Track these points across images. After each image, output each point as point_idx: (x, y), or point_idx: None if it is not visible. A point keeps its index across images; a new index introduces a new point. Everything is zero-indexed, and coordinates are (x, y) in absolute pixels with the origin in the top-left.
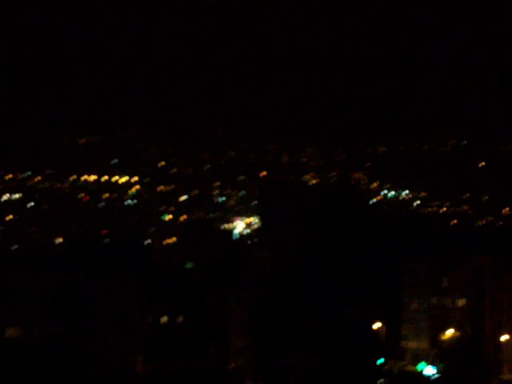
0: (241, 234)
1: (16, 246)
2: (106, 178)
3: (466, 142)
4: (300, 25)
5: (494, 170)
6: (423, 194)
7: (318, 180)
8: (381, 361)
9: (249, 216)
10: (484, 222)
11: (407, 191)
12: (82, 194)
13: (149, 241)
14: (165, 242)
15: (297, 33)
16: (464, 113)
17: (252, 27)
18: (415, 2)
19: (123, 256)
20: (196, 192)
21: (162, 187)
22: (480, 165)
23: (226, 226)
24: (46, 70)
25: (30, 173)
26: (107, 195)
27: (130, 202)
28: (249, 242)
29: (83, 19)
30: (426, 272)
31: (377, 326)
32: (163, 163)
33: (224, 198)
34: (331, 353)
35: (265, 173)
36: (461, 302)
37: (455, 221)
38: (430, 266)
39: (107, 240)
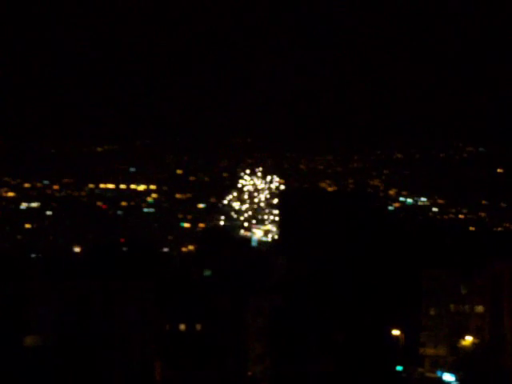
0: (259, 242)
1: (34, 255)
2: (124, 186)
3: (483, 149)
4: (317, 36)
5: (511, 176)
6: (441, 200)
7: (335, 187)
8: (399, 368)
9: (267, 224)
10: (501, 228)
11: (425, 198)
12: (100, 203)
13: (167, 248)
14: (183, 250)
15: (315, 43)
16: (481, 120)
17: (270, 38)
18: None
19: (141, 264)
20: (214, 200)
21: (179, 195)
22: (497, 171)
23: (244, 233)
24: (64, 80)
25: (47, 181)
26: (125, 203)
27: (147, 209)
28: (266, 250)
29: (106, 35)
30: (444, 279)
31: (395, 332)
32: (181, 171)
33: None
34: (349, 360)
35: (282, 180)
36: (479, 309)
37: (473, 227)
38: (447, 273)
39: (125, 248)
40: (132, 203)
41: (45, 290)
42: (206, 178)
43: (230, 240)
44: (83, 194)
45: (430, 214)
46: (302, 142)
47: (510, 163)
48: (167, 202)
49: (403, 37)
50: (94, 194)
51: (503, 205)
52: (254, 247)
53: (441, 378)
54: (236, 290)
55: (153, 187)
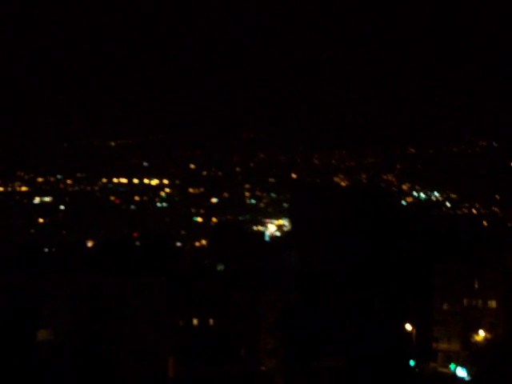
0: (271, 236)
1: (47, 249)
2: (137, 180)
3: (496, 143)
4: (329, 32)
5: None
6: (454, 195)
7: (348, 182)
8: (412, 362)
9: (279, 218)
10: None
11: (438, 193)
12: (113, 197)
13: (180, 243)
14: (196, 244)
15: (327, 42)
16: (494, 114)
17: (284, 33)
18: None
19: (154, 258)
20: (227, 194)
21: (192, 189)
22: (511, 166)
23: (257, 228)
24: (78, 75)
25: (60, 176)
26: (138, 198)
27: (160, 204)
28: (280, 244)
29: (119, 30)
30: (457, 273)
31: (408, 327)
32: (194, 166)
33: (254, 201)
34: (362, 354)
35: (295, 175)
36: (492, 304)
37: (486, 222)
38: (461, 268)
39: (138, 242)
40: (145, 198)
41: (58, 284)
42: (219, 173)
43: (243, 234)
44: (96, 188)
45: (444, 208)
46: (315, 137)
47: None
48: (180, 196)
49: (415, 33)
50: (106, 188)
51: None
52: (267, 241)
53: (454, 372)
54: (249, 284)
55: (166, 182)
